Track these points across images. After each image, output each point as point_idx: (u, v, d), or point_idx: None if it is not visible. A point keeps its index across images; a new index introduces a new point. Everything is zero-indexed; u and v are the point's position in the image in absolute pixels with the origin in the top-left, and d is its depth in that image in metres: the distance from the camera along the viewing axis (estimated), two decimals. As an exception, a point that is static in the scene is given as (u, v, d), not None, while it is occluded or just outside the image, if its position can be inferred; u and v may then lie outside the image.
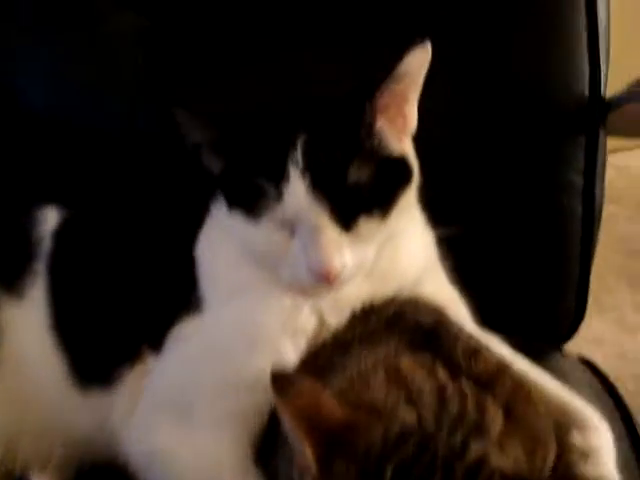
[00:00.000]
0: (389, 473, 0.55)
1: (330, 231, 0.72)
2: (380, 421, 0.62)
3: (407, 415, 0.63)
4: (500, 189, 1.05)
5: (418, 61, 0.76)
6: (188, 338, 0.80)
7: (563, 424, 0.71)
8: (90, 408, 0.84)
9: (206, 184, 0.82)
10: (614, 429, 0.80)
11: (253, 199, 0.75)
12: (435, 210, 0.88)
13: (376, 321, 0.76)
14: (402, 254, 0.82)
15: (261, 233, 0.75)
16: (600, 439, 0.73)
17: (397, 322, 0.77)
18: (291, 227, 0.74)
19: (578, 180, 1.05)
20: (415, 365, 0.70)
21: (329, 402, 0.62)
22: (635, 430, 0.94)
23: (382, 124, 0.77)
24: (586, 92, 1.04)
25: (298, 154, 0.73)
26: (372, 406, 0.64)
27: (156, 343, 0.82)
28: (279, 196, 0.72)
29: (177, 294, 0.82)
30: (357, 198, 0.73)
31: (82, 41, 1.11)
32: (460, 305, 0.85)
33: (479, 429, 0.63)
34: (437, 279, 0.85)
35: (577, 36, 1.04)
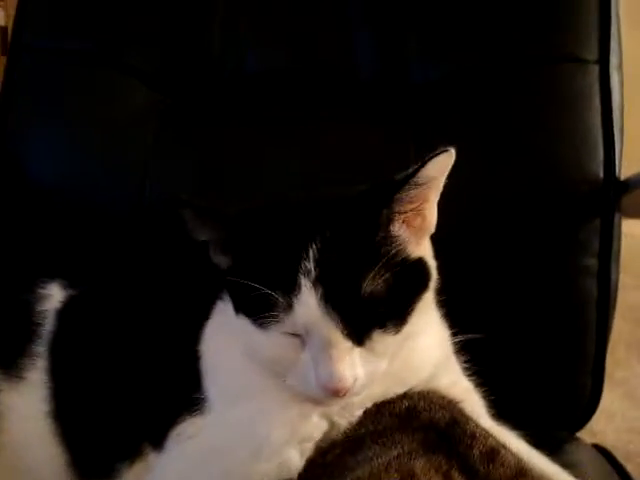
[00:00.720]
0: None
1: (342, 345, 0.68)
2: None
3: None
4: (515, 273, 1.03)
5: (441, 167, 0.71)
6: (190, 439, 0.77)
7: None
8: None
9: (215, 274, 0.78)
10: None
11: (261, 307, 0.69)
12: (450, 296, 0.84)
13: (388, 418, 0.74)
14: (417, 353, 0.78)
15: (269, 341, 0.71)
16: None
17: (410, 419, 0.74)
18: (301, 336, 0.70)
19: (593, 263, 1.03)
20: (430, 469, 0.66)
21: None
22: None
23: (400, 228, 0.73)
24: (601, 174, 1.03)
25: (310, 263, 0.68)
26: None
27: (157, 441, 0.78)
28: (289, 307, 0.68)
29: (180, 391, 0.79)
30: (371, 311, 0.69)
31: (91, 120, 1.12)
32: (476, 398, 0.82)
33: None
34: (452, 372, 0.83)
35: (592, 118, 1.03)
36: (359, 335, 0.69)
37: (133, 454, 0.79)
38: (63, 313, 0.88)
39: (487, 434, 0.72)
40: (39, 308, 0.89)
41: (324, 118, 1.10)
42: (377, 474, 0.66)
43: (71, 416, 0.83)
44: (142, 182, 1.07)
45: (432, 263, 0.76)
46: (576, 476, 0.78)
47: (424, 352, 0.79)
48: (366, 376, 0.70)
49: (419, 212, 0.74)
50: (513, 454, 0.71)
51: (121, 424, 0.81)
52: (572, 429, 1.08)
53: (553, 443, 0.83)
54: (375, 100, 1.12)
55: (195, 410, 0.77)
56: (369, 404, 0.76)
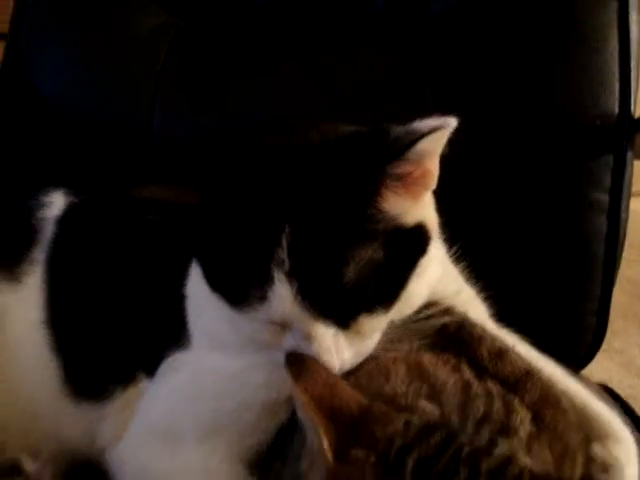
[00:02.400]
0: (411, 465, 0.50)
1: (325, 335, 0.62)
2: (401, 413, 0.56)
3: (429, 409, 0.58)
4: (527, 206, 1.01)
5: (438, 140, 0.61)
6: (178, 369, 0.76)
7: (588, 432, 0.65)
8: (80, 419, 0.80)
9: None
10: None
11: (236, 295, 0.63)
12: (461, 230, 0.80)
13: (396, 326, 0.70)
14: (418, 290, 0.70)
15: (248, 324, 0.66)
16: (623, 451, 0.67)
17: (418, 321, 0.71)
18: (282, 324, 0.64)
19: (604, 199, 1.02)
20: (438, 361, 0.64)
21: (346, 390, 0.57)
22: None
23: (391, 199, 0.63)
24: (616, 110, 1.01)
25: (283, 252, 0.60)
26: (392, 398, 0.59)
27: (150, 369, 0.77)
28: (263, 299, 0.61)
29: (169, 324, 0.77)
30: (356, 298, 0.62)
31: (105, 40, 1.10)
32: (480, 305, 0.80)
33: (506, 430, 0.59)
34: (455, 282, 0.79)
35: (609, 54, 1.02)
36: (343, 321, 0.63)
37: (126, 379, 0.78)
38: (63, 221, 0.86)
39: (494, 337, 0.71)
40: (40, 215, 0.86)
41: (336, 45, 1.08)
42: (385, 366, 0.65)
43: (66, 329, 0.81)
44: (151, 106, 1.06)
45: (432, 221, 0.69)
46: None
47: (422, 282, 0.70)
48: (354, 356, 0.65)
49: (415, 177, 0.64)
50: (520, 355, 0.69)
51: (116, 346, 0.79)
52: (577, 366, 1.05)
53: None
54: (390, 31, 1.09)
55: (181, 345, 0.75)
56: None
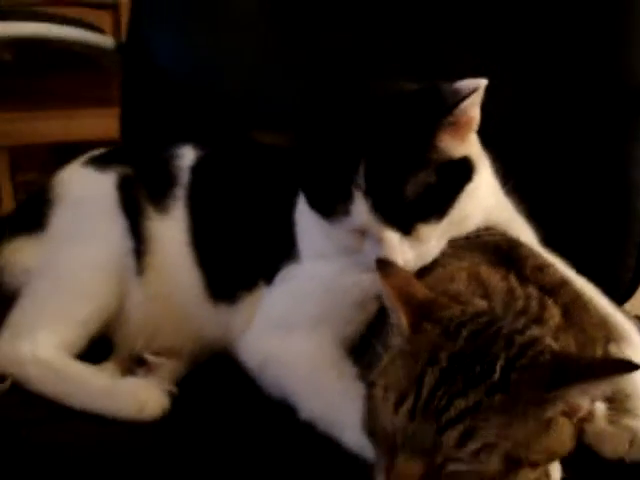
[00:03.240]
0: (464, 334, 0.70)
1: (392, 238, 0.84)
2: (459, 304, 0.75)
3: (481, 304, 0.78)
4: (576, 156, 1.19)
5: (476, 98, 0.84)
6: (291, 278, 0.98)
7: (607, 333, 0.84)
8: (217, 317, 1.03)
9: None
10: None
11: (327, 211, 0.88)
12: (516, 169, 1.00)
13: (461, 244, 0.90)
14: (470, 208, 0.91)
15: (336, 232, 0.89)
16: (635, 353, 0.85)
17: (478, 245, 0.91)
18: (361, 231, 0.87)
19: None
20: (492, 272, 0.84)
21: (419, 285, 0.78)
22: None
23: (443, 138, 0.85)
24: None
25: (361, 178, 0.83)
26: (454, 296, 0.79)
27: (269, 278, 1.00)
28: (347, 212, 0.85)
29: (283, 242, 0.99)
30: (414, 209, 0.84)
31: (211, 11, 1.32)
32: (530, 234, 0.99)
33: (539, 320, 0.78)
34: (507, 211, 0.99)
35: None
36: (405, 228, 0.85)
37: (251, 285, 1.01)
38: (195, 168, 1.09)
39: (538, 254, 0.90)
40: (177, 163, 1.10)
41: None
42: (450, 273, 0.84)
43: (206, 248, 1.04)
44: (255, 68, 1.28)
45: (478, 155, 0.90)
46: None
47: (475, 207, 0.91)
48: (417, 257, 0.86)
49: (462, 123, 0.86)
50: (558, 269, 0.87)
51: (243, 260, 1.02)
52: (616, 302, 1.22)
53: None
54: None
55: (292, 259, 0.98)
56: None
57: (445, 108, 0.84)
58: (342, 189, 0.85)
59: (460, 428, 0.62)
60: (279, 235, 0.99)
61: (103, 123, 2.11)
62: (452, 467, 0.63)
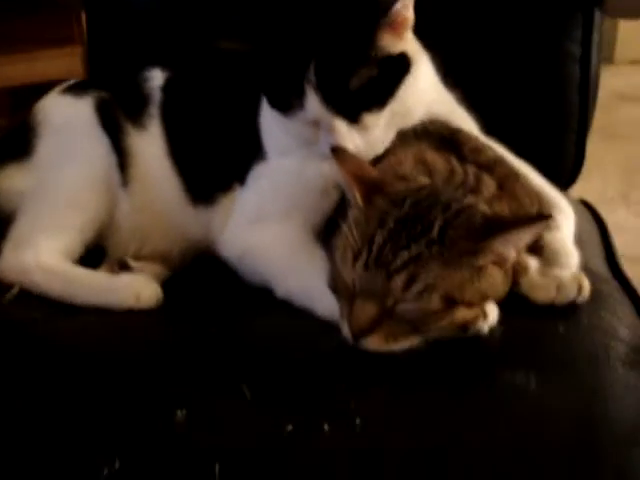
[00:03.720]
0: (408, 202, 0.83)
1: (341, 127, 0.97)
2: (406, 182, 0.89)
3: (424, 180, 0.90)
4: (509, 57, 1.31)
5: (409, 1, 0.96)
6: (260, 176, 1.10)
7: (539, 202, 0.97)
8: (198, 219, 1.15)
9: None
10: (595, 236, 1.16)
11: (284, 107, 1.00)
12: (456, 66, 1.11)
13: (408, 133, 1.03)
14: (411, 99, 1.03)
15: (294, 125, 1.01)
16: (563, 217, 1.01)
17: (424, 133, 1.04)
18: (315, 123, 0.98)
19: (576, 49, 1.31)
20: (435, 155, 0.97)
21: (369, 168, 0.91)
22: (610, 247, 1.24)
23: (382, 37, 0.97)
24: None
25: (311, 75, 0.96)
26: (402, 176, 0.92)
27: (241, 179, 1.12)
28: (301, 106, 0.97)
29: (252, 147, 1.11)
30: (359, 100, 0.96)
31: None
32: (471, 123, 1.11)
33: (475, 191, 0.91)
34: (448, 104, 1.11)
35: None
36: (352, 117, 0.97)
37: (227, 187, 1.13)
38: (166, 87, 1.20)
39: (477, 139, 1.03)
40: (148, 84, 1.20)
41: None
42: (399, 159, 0.97)
43: (182, 157, 1.16)
44: None
45: (413, 50, 1.02)
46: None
47: (417, 101, 1.04)
48: (366, 144, 0.99)
49: (398, 22, 0.98)
50: (495, 150, 1.00)
51: (217, 165, 1.13)
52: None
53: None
54: None
55: (260, 158, 1.10)
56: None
57: (382, 10, 0.96)
58: (296, 85, 0.97)
59: (405, 274, 0.76)
60: (247, 139, 1.11)
61: (66, 62, 2.22)
62: (401, 307, 0.78)
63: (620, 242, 1.95)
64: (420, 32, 1.04)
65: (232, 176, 1.12)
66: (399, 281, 0.77)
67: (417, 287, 0.76)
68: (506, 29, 1.31)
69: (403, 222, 0.80)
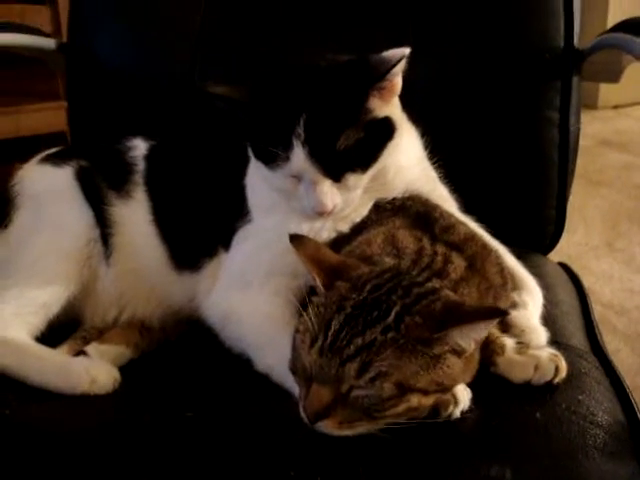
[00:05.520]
0: (368, 287, 0.87)
1: (324, 184, 1.01)
2: (370, 264, 0.93)
3: (390, 262, 0.95)
4: (492, 121, 1.39)
5: (401, 65, 1.01)
6: (244, 239, 1.15)
7: (506, 281, 1.02)
8: (182, 285, 1.20)
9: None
10: (574, 305, 1.19)
11: (269, 158, 1.04)
12: (440, 141, 1.18)
13: (387, 210, 1.09)
14: (392, 174, 1.10)
15: (277, 178, 1.05)
16: (530, 298, 1.06)
17: (401, 208, 1.09)
18: (298, 177, 1.03)
19: (555, 115, 1.38)
20: (407, 234, 1.02)
21: (329, 252, 0.96)
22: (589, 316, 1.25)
23: (372, 101, 1.02)
24: (561, 44, 1.37)
25: (300, 129, 1.00)
26: (369, 257, 0.97)
27: (226, 243, 1.17)
28: (287, 159, 1.01)
29: (236, 209, 1.16)
30: (344, 160, 1.01)
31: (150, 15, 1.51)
32: (451, 203, 1.17)
33: (441, 273, 0.94)
34: (430, 182, 1.17)
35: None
36: (336, 176, 1.02)
37: (211, 252, 1.18)
38: (149, 156, 1.26)
39: (449, 216, 1.07)
40: (131, 154, 1.27)
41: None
42: (368, 238, 1.02)
43: (168, 224, 1.21)
44: (192, 65, 1.46)
45: (398, 116, 1.08)
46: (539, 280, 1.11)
47: (399, 173, 1.11)
48: (343, 202, 1.04)
49: (388, 88, 1.04)
50: (466, 228, 1.05)
51: (202, 230, 1.19)
52: (543, 252, 1.42)
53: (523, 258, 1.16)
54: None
55: (245, 221, 1.15)
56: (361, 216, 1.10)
57: (377, 75, 1.01)
58: (284, 138, 1.01)
59: (357, 361, 0.80)
60: (231, 203, 1.16)
61: (51, 115, 2.30)
62: (355, 393, 0.81)
63: (606, 292, 2.04)
64: (407, 104, 1.11)
65: (217, 241, 1.18)
66: (352, 368, 0.80)
67: (370, 374, 0.80)
68: (485, 95, 1.39)
69: (361, 307, 0.85)
